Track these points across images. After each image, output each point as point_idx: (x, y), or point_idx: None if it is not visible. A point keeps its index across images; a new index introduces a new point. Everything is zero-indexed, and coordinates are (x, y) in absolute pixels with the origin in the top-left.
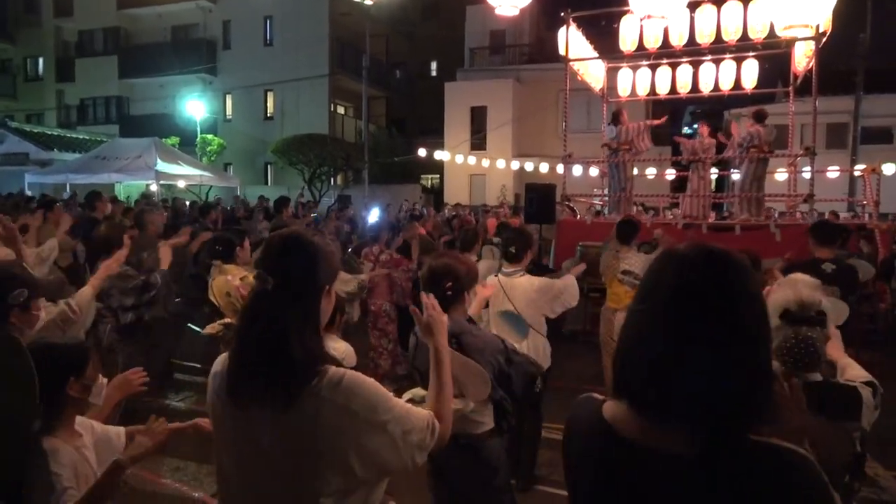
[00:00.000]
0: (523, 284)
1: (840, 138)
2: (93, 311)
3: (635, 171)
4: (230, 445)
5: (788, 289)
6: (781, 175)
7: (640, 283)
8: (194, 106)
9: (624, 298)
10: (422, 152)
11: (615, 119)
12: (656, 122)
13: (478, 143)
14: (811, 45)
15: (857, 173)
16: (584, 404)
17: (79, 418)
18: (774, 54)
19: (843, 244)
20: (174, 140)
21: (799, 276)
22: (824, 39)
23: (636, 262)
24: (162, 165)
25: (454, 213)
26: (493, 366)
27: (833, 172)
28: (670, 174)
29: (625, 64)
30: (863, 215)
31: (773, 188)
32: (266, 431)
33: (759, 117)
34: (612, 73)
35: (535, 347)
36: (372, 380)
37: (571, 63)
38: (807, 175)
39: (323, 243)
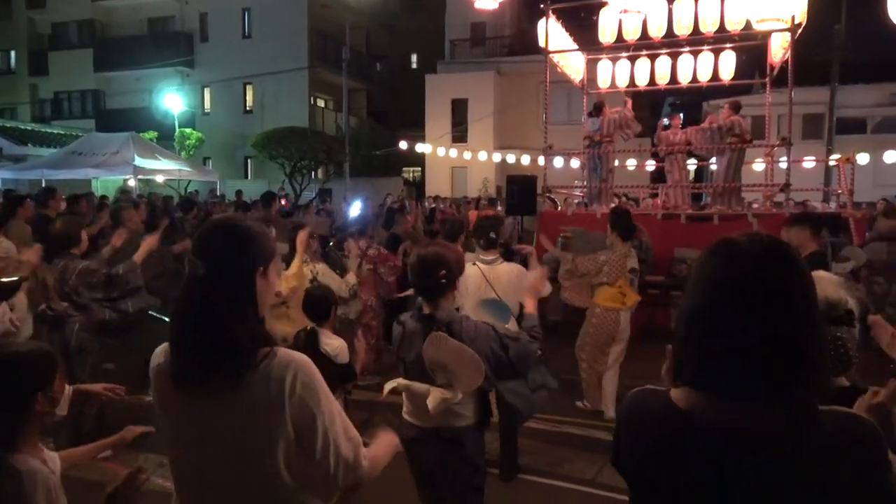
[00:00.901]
0: (506, 271)
1: (816, 129)
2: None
3: (616, 163)
4: (181, 435)
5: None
6: (759, 165)
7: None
8: (172, 99)
9: (630, 298)
10: (403, 145)
11: (597, 111)
12: (629, 111)
13: (459, 135)
14: (787, 36)
15: (832, 163)
16: (649, 396)
17: None
18: (751, 46)
19: (835, 233)
20: (152, 134)
21: (822, 273)
22: (800, 31)
23: (631, 259)
24: (140, 160)
25: (433, 206)
26: (489, 356)
27: (809, 162)
28: (650, 165)
29: (604, 56)
30: (838, 204)
31: (750, 178)
32: (217, 415)
33: (738, 107)
34: (591, 65)
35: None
36: (320, 376)
37: (551, 55)
38: (783, 165)
39: (255, 226)
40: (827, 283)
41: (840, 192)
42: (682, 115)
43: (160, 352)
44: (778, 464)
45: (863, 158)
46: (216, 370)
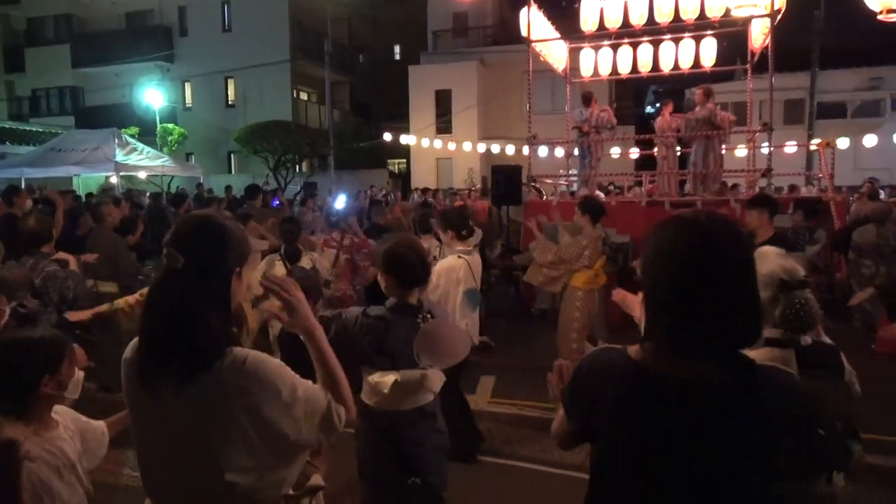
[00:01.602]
0: (478, 262)
1: (797, 114)
2: None
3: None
4: (143, 428)
5: (768, 261)
6: (741, 151)
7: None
8: (152, 95)
9: (601, 279)
10: (387, 137)
11: (585, 101)
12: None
13: (443, 126)
14: (767, 22)
15: (812, 148)
16: (607, 353)
17: (62, 408)
18: (732, 32)
19: (811, 217)
20: (133, 130)
21: (771, 249)
22: (779, 17)
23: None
24: (121, 157)
25: (424, 198)
26: None
27: (791, 147)
28: (634, 153)
29: (586, 44)
30: (818, 188)
31: (732, 164)
32: (172, 410)
33: (710, 93)
34: (574, 54)
35: (475, 322)
36: (277, 361)
37: (534, 44)
38: (765, 151)
39: (234, 227)
40: (776, 255)
41: (821, 176)
42: (669, 103)
43: (133, 344)
44: (725, 410)
45: (843, 143)
46: (174, 364)
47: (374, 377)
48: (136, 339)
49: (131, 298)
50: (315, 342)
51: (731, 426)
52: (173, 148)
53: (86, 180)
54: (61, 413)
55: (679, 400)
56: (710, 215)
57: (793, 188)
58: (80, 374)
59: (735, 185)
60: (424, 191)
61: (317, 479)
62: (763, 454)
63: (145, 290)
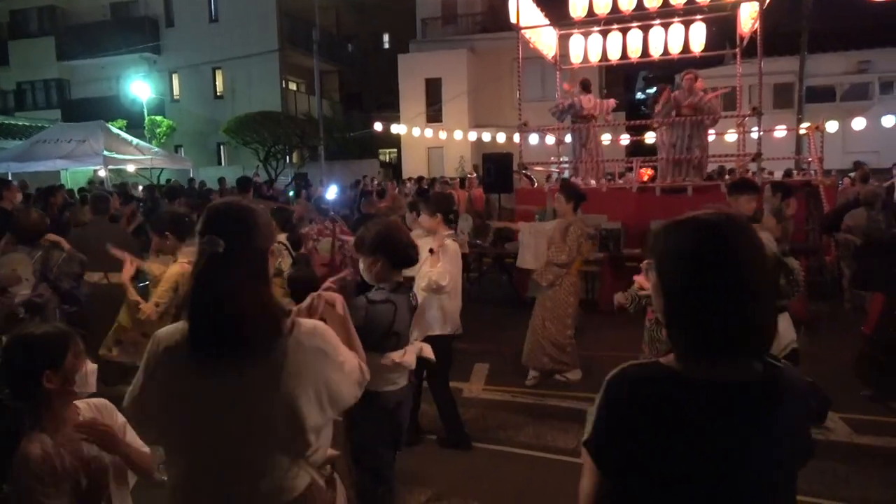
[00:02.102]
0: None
1: (786, 98)
2: None
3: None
4: (197, 412)
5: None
6: (731, 136)
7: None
8: (139, 87)
9: (579, 261)
10: (378, 127)
11: (585, 88)
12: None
13: (434, 115)
14: (756, 6)
15: (802, 132)
16: (639, 368)
17: (100, 402)
18: (721, 17)
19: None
20: (121, 123)
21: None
22: (768, 1)
23: None
24: (110, 150)
25: (419, 186)
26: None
27: (780, 132)
28: (624, 139)
29: (576, 31)
30: (808, 172)
31: (722, 149)
32: (244, 384)
33: (697, 79)
34: (563, 41)
35: (456, 309)
36: (332, 333)
37: (523, 31)
38: (755, 135)
39: (262, 210)
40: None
41: (810, 160)
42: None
43: (171, 332)
44: (759, 408)
45: (832, 126)
46: (246, 342)
47: (395, 356)
48: (171, 327)
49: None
50: (332, 313)
51: (767, 425)
52: (162, 140)
53: (74, 174)
54: (100, 406)
55: (724, 404)
56: (723, 216)
57: (788, 175)
58: (89, 367)
59: (732, 170)
60: (420, 179)
61: (332, 450)
62: (789, 448)
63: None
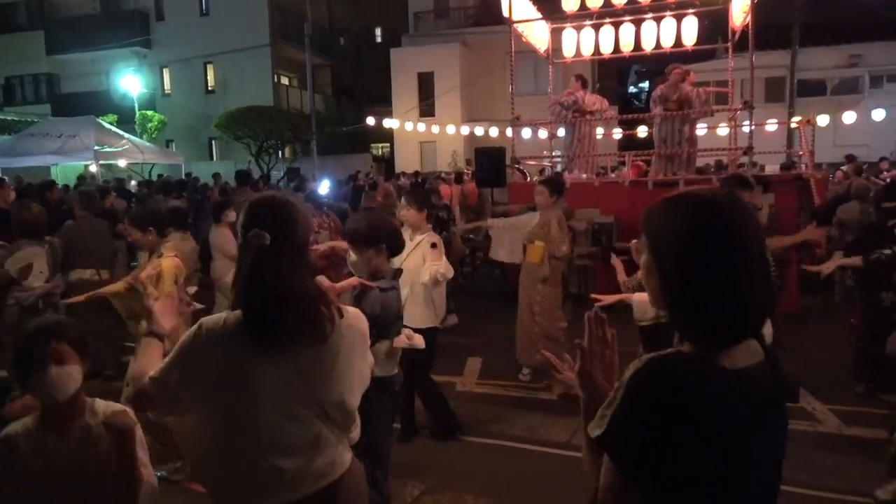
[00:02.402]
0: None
1: (778, 92)
2: None
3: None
4: (258, 393)
5: None
6: (723, 130)
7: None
8: (130, 81)
9: None
10: (370, 121)
11: (583, 84)
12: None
13: (427, 109)
14: (747, 1)
15: (793, 125)
16: (664, 360)
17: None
18: (713, 11)
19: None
20: (111, 118)
21: None
22: None
23: None
24: (101, 145)
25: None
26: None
27: (772, 125)
28: (617, 133)
29: (568, 24)
30: (799, 166)
31: (714, 143)
32: (305, 367)
33: (687, 74)
34: (556, 35)
35: (442, 298)
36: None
37: (516, 25)
38: (746, 129)
39: (300, 203)
40: None
41: (801, 153)
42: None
43: (216, 320)
44: (768, 389)
45: (822, 120)
46: (310, 327)
47: (404, 338)
48: (216, 318)
49: (120, 284)
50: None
51: (779, 403)
52: (153, 135)
53: (64, 169)
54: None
55: (743, 389)
56: (720, 193)
57: (786, 168)
58: (66, 370)
59: (726, 166)
60: (416, 174)
61: None
62: (785, 423)
63: (133, 276)
